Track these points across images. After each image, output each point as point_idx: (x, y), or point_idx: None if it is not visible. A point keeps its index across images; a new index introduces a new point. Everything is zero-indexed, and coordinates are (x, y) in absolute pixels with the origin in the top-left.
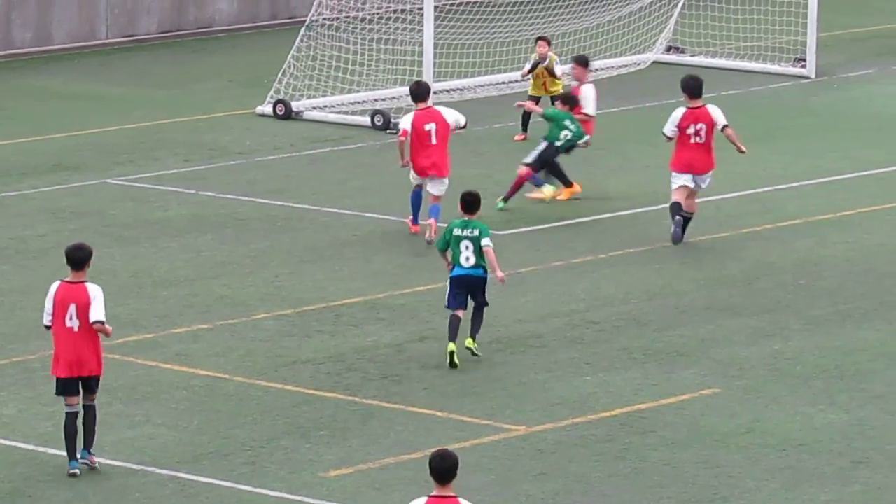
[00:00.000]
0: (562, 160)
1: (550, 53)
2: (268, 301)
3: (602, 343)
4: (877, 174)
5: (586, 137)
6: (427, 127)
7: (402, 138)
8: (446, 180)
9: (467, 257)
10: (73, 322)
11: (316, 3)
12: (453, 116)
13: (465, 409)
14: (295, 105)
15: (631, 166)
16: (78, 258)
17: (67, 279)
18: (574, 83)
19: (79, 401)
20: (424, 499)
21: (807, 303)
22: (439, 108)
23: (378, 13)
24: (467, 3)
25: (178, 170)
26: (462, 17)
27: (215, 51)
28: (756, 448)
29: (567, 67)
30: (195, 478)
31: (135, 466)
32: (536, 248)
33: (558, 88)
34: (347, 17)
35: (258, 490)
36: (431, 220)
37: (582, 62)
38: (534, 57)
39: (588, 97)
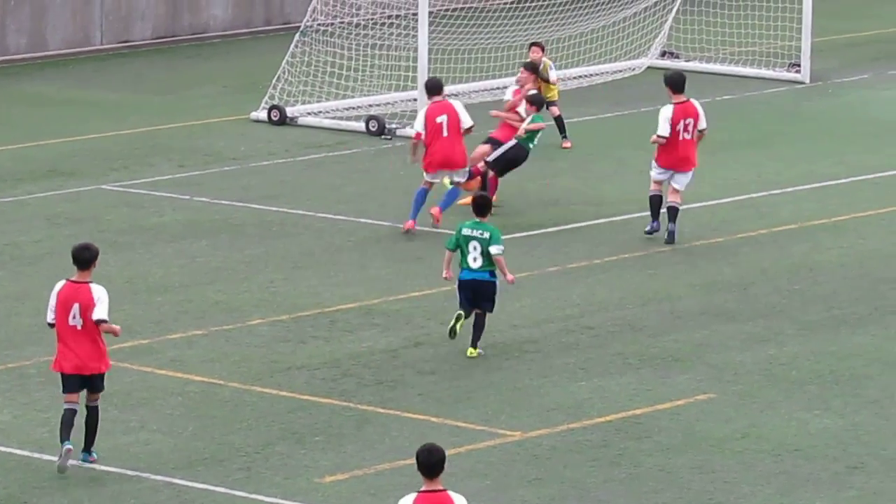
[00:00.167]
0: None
1: (545, 59)
2: (262, 307)
3: (597, 348)
4: (871, 179)
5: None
6: (439, 119)
7: (415, 140)
8: (463, 171)
9: (475, 258)
10: (76, 321)
11: (310, 9)
12: (465, 114)
13: (460, 414)
14: (289, 111)
15: (625, 171)
16: (84, 258)
17: (73, 278)
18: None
19: (79, 399)
20: (414, 495)
21: (801, 308)
22: (453, 101)
23: (372, 19)
24: (462, 9)
25: (172, 175)
26: (456, 22)
27: (210, 57)
28: (751, 453)
29: (562, 73)
30: (190, 484)
31: (130, 472)
32: (531, 254)
33: (554, 94)
34: (342, 22)
35: (253, 496)
36: (435, 210)
37: (532, 68)
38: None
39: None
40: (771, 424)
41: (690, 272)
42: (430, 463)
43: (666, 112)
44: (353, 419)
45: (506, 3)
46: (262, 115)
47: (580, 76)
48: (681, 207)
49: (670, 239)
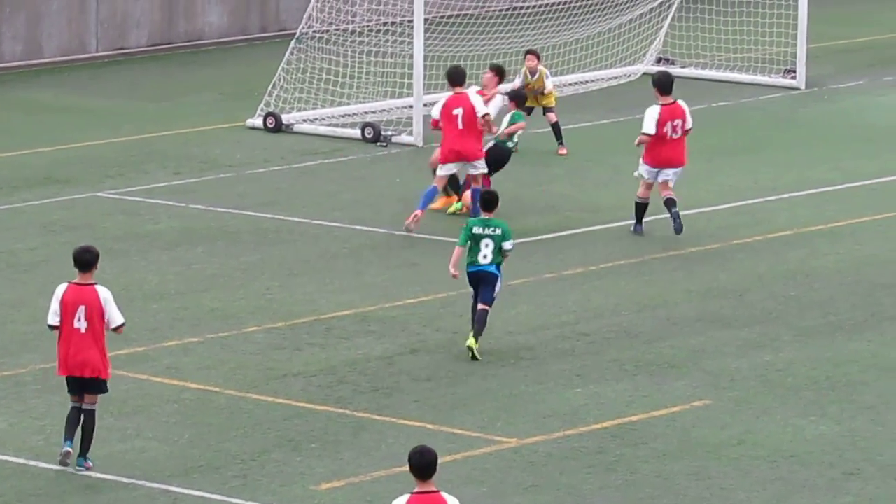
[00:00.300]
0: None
1: (540, 67)
2: (258, 314)
3: (593, 355)
4: (867, 185)
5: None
6: (455, 111)
7: (433, 128)
8: (477, 163)
9: (485, 255)
10: (80, 324)
11: (306, 16)
12: (482, 109)
13: (456, 421)
14: (285, 118)
15: (621, 178)
16: (86, 260)
17: (75, 281)
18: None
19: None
20: (407, 496)
21: (798, 314)
22: (470, 92)
23: (368, 26)
24: (457, 16)
25: (168, 183)
26: (452, 29)
27: (205, 64)
28: (747, 459)
29: (557, 79)
30: (186, 491)
31: (126, 480)
32: (527, 260)
33: (551, 100)
34: (337, 29)
35: (249, 503)
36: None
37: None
38: (524, 71)
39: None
40: (767, 430)
41: (686, 278)
42: (423, 464)
43: (653, 112)
44: (349, 426)
45: (501, 10)
46: (258, 122)
47: (576, 83)
48: (677, 200)
49: (678, 228)
